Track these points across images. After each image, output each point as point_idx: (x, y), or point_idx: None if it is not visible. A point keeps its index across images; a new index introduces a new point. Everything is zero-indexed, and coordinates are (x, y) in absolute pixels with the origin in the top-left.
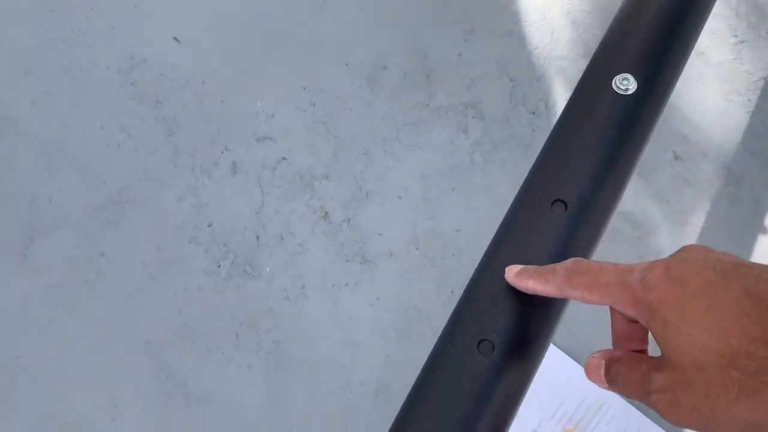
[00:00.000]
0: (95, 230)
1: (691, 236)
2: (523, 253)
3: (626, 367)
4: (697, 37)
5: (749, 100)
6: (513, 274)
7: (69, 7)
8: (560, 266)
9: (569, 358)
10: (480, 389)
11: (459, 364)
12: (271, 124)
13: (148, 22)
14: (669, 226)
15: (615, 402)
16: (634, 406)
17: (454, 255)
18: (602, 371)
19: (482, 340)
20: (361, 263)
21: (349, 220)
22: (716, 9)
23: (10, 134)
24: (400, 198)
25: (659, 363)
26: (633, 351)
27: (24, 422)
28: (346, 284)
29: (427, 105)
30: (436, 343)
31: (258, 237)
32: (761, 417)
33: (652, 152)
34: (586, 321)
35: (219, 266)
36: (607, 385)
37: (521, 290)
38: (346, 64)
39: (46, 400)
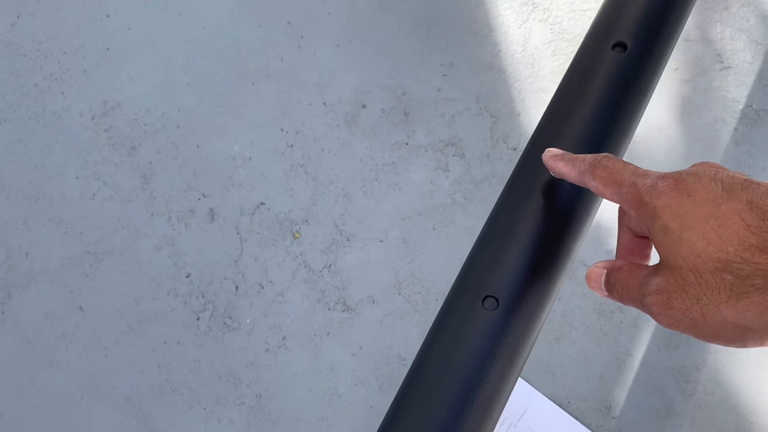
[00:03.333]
0: (73, 283)
1: None
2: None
3: (626, 274)
4: (651, 94)
5: (735, 129)
6: (550, 155)
7: (40, 52)
8: (590, 156)
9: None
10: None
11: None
12: (248, 168)
13: (121, 65)
14: None
15: None
16: None
17: (437, 299)
18: (603, 279)
19: (487, 297)
20: (343, 311)
21: (329, 266)
22: (702, 34)
23: None
24: (381, 241)
25: (657, 268)
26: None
27: None
28: (328, 333)
29: (407, 144)
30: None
31: (237, 287)
32: (748, 319)
33: None
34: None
35: (198, 318)
36: (605, 292)
37: (551, 171)
38: (324, 104)
39: None
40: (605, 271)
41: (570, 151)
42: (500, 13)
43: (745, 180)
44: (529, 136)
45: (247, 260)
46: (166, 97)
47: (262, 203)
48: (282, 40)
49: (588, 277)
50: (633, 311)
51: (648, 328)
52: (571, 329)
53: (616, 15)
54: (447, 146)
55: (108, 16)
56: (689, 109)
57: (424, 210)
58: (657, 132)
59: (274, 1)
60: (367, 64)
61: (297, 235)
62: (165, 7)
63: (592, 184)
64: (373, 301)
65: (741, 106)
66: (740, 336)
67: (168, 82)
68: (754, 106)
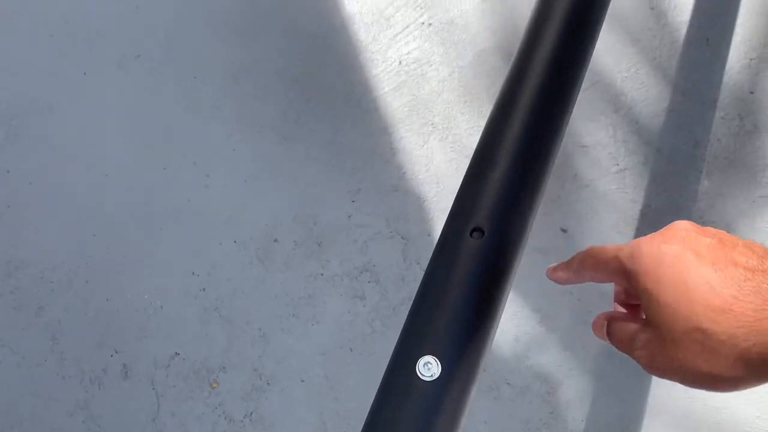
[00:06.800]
0: None
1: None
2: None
3: (620, 328)
4: (502, 312)
5: (637, 229)
6: (550, 272)
7: None
8: (576, 257)
9: None
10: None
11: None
12: (160, 316)
13: (24, 222)
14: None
15: None
16: None
17: None
18: (604, 329)
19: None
20: None
21: (250, 414)
22: (595, 139)
23: None
24: (302, 381)
25: (644, 324)
26: (630, 305)
27: None
28: None
29: (322, 274)
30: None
31: None
32: (719, 370)
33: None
34: None
35: None
36: (607, 339)
37: (557, 283)
38: (235, 241)
39: None
40: (606, 321)
41: (439, 352)
42: (402, 135)
43: (711, 244)
44: None
45: (164, 417)
46: (72, 250)
47: (177, 353)
48: (188, 181)
49: (594, 326)
50: (558, 427)
51: None
52: None
53: (471, 201)
54: (362, 273)
55: (8, 171)
56: (590, 214)
57: (343, 342)
58: (562, 240)
59: (178, 143)
60: (277, 197)
61: (215, 385)
62: (67, 157)
63: (588, 276)
64: None
65: (640, 207)
66: (715, 384)
67: (74, 235)
68: (653, 206)
